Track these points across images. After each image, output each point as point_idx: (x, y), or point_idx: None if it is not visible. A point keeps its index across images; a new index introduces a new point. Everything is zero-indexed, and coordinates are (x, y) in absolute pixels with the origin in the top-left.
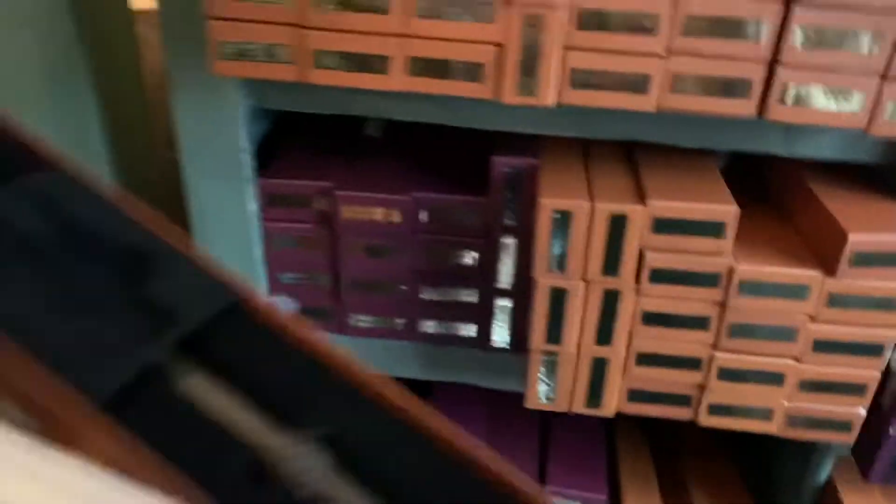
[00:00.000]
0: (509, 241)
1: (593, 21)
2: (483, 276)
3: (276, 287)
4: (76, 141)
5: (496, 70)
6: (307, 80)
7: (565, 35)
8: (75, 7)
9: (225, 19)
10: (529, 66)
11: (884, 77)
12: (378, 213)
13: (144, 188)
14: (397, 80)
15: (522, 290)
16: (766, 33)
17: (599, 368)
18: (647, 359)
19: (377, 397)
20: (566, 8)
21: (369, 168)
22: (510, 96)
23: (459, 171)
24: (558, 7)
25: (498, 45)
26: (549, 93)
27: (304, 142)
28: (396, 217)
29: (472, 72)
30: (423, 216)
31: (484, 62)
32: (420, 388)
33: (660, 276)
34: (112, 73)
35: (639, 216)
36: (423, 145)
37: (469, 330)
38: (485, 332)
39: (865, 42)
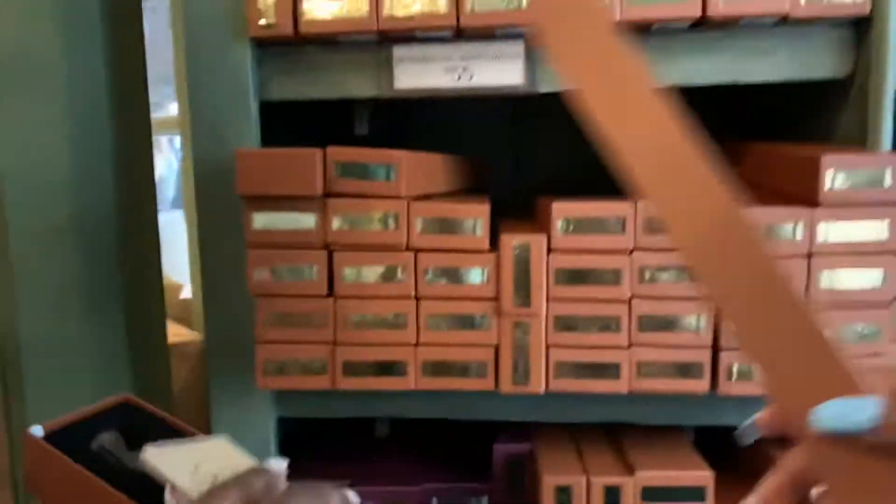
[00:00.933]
0: None
1: (567, 324)
2: None
3: None
4: None
5: (495, 367)
6: (338, 388)
7: (547, 336)
8: (124, 343)
9: (269, 342)
10: (521, 362)
11: None
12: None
13: None
14: (414, 380)
15: None
16: (705, 323)
17: None
18: None
19: None
20: (545, 316)
21: (381, 464)
22: (507, 387)
23: (462, 460)
24: (540, 315)
25: (495, 346)
26: (539, 382)
27: (320, 446)
28: None
29: (475, 369)
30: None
31: (485, 361)
32: None
33: None
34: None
35: (629, 486)
36: (427, 440)
37: None
38: None
39: None
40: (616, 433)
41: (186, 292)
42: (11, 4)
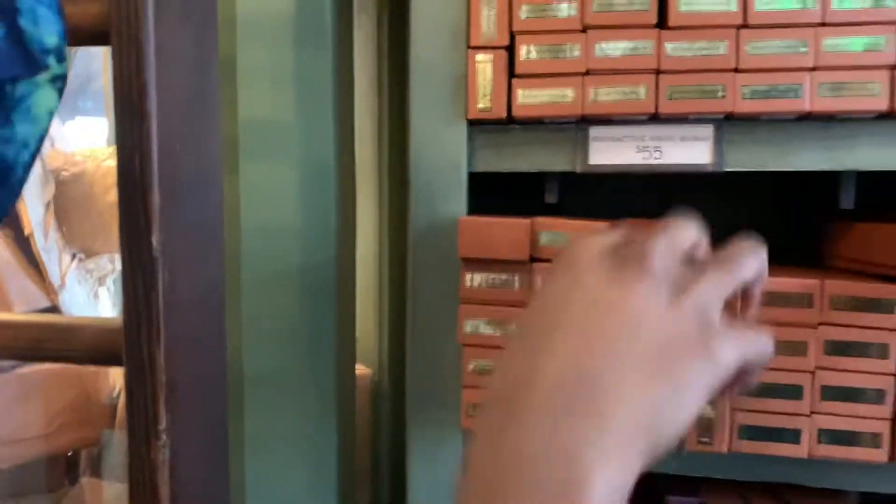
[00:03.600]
0: None
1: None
2: None
3: None
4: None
5: None
6: None
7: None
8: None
9: (472, 387)
10: (706, 426)
11: None
12: None
13: None
14: None
15: None
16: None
17: None
18: None
19: None
20: None
21: None
22: (691, 444)
23: None
24: None
25: None
26: (724, 443)
27: None
28: None
29: None
30: None
31: None
32: None
33: None
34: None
35: None
36: None
37: None
38: None
39: None
40: (781, 494)
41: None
42: (260, 77)
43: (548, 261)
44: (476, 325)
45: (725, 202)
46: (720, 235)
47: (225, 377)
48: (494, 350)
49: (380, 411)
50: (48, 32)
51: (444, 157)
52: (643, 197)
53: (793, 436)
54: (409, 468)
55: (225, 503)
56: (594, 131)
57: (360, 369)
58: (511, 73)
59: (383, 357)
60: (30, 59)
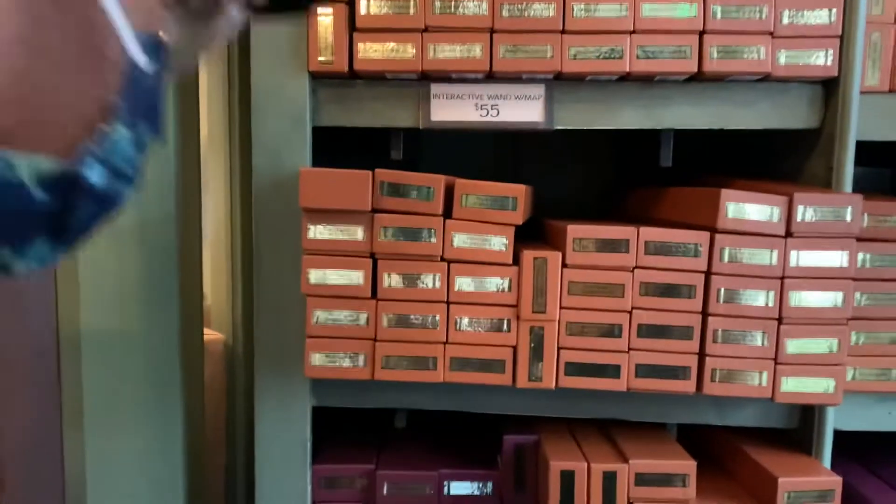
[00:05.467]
0: None
1: (578, 329)
2: None
3: None
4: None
5: (513, 364)
6: (377, 378)
7: (560, 339)
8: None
9: (317, 337)
10: (536, 361)
11: (775, 360)
12: (413, 487)
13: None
14: (443, 374)
15: None
16: (695, 334)
17: None
18: None
19: None
20: (558, 321)
21: (400, 451)
22: (523, 383)
23: (471, 450)
24: (554, 320)
25: (513, 347)
26: (551, 379)
27: (343, 437)
28: (429, 489)
29: (495, 366)
30: (446, 489)
31: (504, 359)
32: None
33: None
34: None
35: (624, 472)
36: (440, 432)
37: None
38: None
39: (759, 338)
40: (608, 428)
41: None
42: None
43: (391, 212)
44: (321, 276)
45: (565, 161)
46: (560, 193)
47: (54, 339)
48: (340, 300)
49: (234, 376)
50: None
51: (286, 110)
52: (494, 153)
53: (614, 371)
54: (257, 421)
55: (58, 472)
56: (435, 88)
57: (214, 335)
58: (353, 28)
59: (237, 322)
60: None
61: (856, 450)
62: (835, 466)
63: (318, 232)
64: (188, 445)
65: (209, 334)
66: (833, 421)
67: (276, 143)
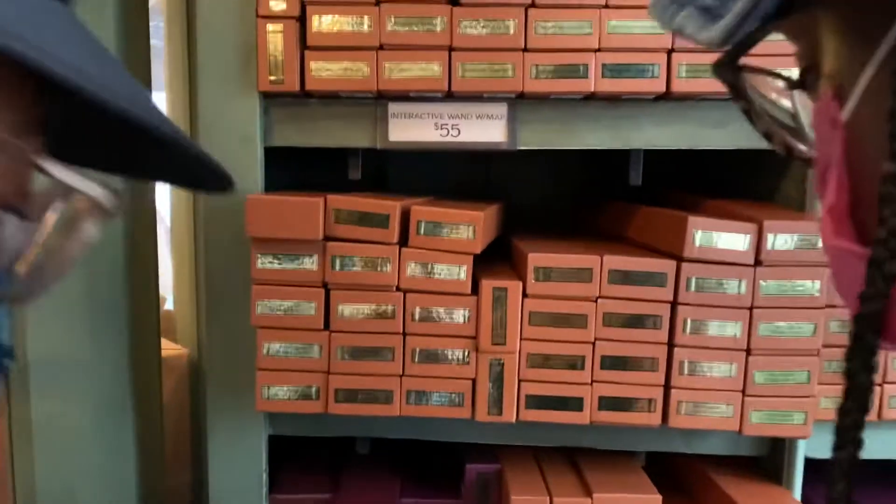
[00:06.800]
0: None
1: (539, 361)
2: None
3: None
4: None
5: (472, 397)
6: (331, 412)
7: (520, 371)
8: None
9: (268, 370)
10: (496, 394)
11: (743, 392)
12: None
13: None
14: (399, 408)
15: None
16: (661, 365)
17: None
18: None
19: None
20: (519, 353)
21: (361, 478)
22: (482, 416)
23: (435, 478)
24: (514, 352)
25: (472, 379)
26: (511, 413)
27: (303, 462)
28: None
29: (455, 400)
30: None
31: (463, 392)
32: None
33: None
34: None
35: None
36: (405, 458)
37: None
38: None
39: (728, 369)
40: (574, 455)
41: (168, 304)
42: None
43: (343, 240)
44: (270, 307)
45: (537, 172)
46: (532, 202)
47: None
48: (292, 332)
49: (199, 391)
50: None
51: (235, 129)
52: (458, 170)
53: (577, 404)
54: (209, 454)
55: (9, 494)
56: (393, 107)
57: (177, 349)
58: (304, 45)
59: (202, 336)
60: None
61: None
62: (807, 493)
63: (268, 262)
64: (142, 464)
65: (173, 349)
66: (805, 449)
67: (225, 165)
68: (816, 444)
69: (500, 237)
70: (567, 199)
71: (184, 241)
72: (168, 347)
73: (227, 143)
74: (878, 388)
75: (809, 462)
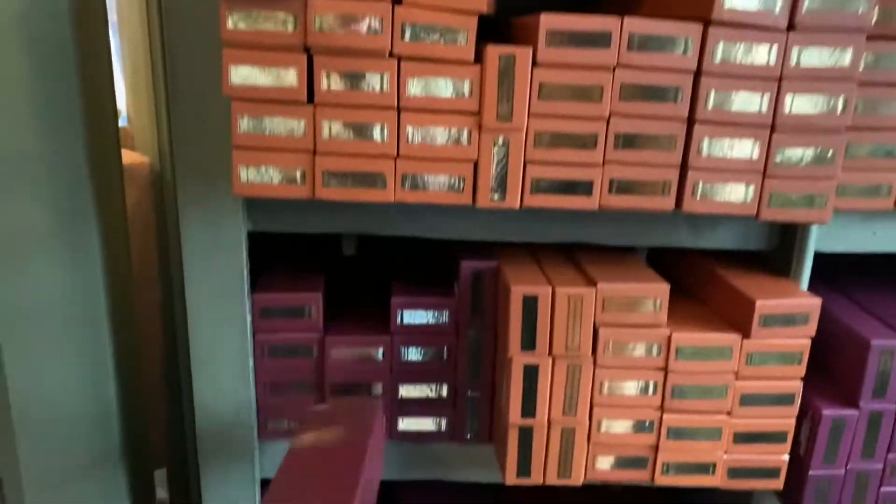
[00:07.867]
0: (475, 336)
1: (546, 140)
2: (454, 370)
3: (264, 392)
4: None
5: (473, 181)
6: (317, 198)
7: (527, 152)
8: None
9: (246, 148)
10: (500, 178)
11: (764, 174)
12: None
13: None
14: (393, 193)
15: (488, 381)
16: (678, 144)
17: (568, 438)
18: (607, 426)
19: None
20: (526, 131)
21: (350, 280)
22: (484, 202)
23: (425, 277)
24: (521, 130)
25: (474, 161)
26: (515, 198)
27: (286, 264)
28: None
29: (454, 184)
30: (399, 319)
31: (465, 176)
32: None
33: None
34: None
35: (591, 297)
36: (393, 259)
37: (442, 424)
38: (458, 424)
39: (748, 147)
40: (574, 254)
41: (122, 121)
42: None
43: None
44: (246, 74)
45: None
46: None
47: None
48: (271, 105)
49: (164, 203)
50: None
51: None
52: None
53: (586, 187)
54: (185, 254)
55: None
56: None
57: (137, 158)
58: None
59: (163, 143)
60: None
61: (829, 275)
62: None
63: (240, 20)
64: (111, 281)
65: (135, 158)
66: (815, 242)
67: None
68: (826, 237)
69: (495, 22)
70: None
71: (138, 46)
72: (128, 157)
73: None
74: None
75: (817, 256)
